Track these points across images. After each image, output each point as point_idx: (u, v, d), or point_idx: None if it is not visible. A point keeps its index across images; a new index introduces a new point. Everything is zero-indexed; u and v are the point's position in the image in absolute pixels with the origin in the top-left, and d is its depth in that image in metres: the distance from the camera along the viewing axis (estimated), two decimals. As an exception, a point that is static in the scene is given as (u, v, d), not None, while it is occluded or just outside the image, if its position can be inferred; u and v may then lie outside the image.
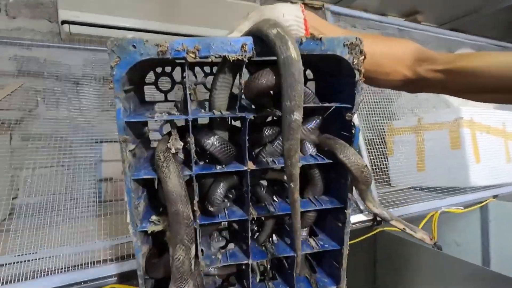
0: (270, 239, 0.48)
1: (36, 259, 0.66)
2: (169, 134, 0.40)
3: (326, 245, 0.46)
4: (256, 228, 0.50)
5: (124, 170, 0.36)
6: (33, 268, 0.62)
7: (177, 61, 0.43)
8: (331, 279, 0.48)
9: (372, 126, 1.31)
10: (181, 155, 0.41)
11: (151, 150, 0.45)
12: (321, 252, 0.46)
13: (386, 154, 1.30)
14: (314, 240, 0.48)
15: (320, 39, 0.36)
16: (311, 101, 0.43)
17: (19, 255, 0.67)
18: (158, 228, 0.38)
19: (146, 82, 0.46)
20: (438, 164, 1.26)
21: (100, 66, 1.25)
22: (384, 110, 1.39)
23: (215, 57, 0.34)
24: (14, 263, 0.64)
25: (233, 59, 0.34)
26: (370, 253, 0.96)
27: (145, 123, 0.44)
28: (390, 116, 1.41)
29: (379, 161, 1.23)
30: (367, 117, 1.32)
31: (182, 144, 0.38)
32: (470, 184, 1.15)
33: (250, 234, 0.42)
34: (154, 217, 0.40)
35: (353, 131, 0.40)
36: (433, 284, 0.78)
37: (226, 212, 0.43)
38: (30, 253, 0.68)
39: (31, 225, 0.83)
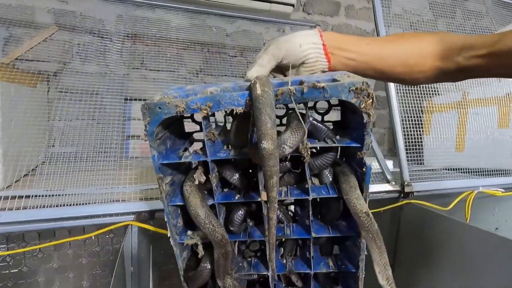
0: (290, 254, 0.53)
1: (63, 195, 0.70)
2: (196, 168, 0.47)
3: (343, 266, 0.49)
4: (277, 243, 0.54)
5: (162, 199, 0.44)
6: (60, 202, 0.65)
7: None
8: None
9: (410, 103, 1.21)
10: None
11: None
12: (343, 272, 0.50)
13: (422, 133, 1.21)
14: (332, 260, 0.51)
15: (323, 87, 0.37)
16: (324, 136, 0.44)
17: (49, 190, 0.71)
18: (193, 241, 0.47)
19: (185, 116, 0.50)
20: (481, 144, 1.15)
21: (132, 23, 1.26)
22: (424, 86, 1.27)
23: (225, 111, 0.40)
24: (44, 196, 0.68)
25: (239, 112, 0.38)
26: (394, 224, 0.92)
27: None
28: (431, 92, 1.29)
29: (414, 140, 1.14)
30: (405, 93, 1.22)
31: (205, 178, 0.45)
32: (516, 167, 1.04)
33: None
34: (189, 232, 0.48)
35: (364, 169, 0.41)
36: (460, 259, 0.72)
37: (249, 231, 0.49)
38: (58, 190, 0.72)
39: (63, 170, 0.88)
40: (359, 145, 0.40)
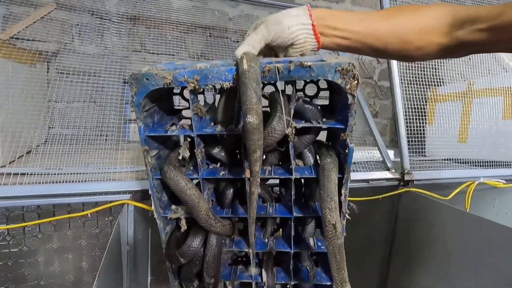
0: (272, 234, 0.54)
1: (61, 174, 0.69)
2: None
3: (323, 247, 0.51)
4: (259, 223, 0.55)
5: (147, 172, 0.44)
6: (57, 180, 0.65)
7: None
8: (328, 277, 0.52)
9: (414, 93, 1.19)
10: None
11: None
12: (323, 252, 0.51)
13: (425, 123, 1.19)
14: (313, 240, 0.53)
15: (309, 66, 0.37)
16: (312, 115, 0.44)
17: (46, 169, 0.71)
18: (176, 215, 0.47)
19: (174, 92, 0.52)
20: (484, 135, 1.13)
21: (133, 4, 1.24)
22: (428, 75, 1.25)
23: (212, 85, 0.39)
24: (41, 174, 0.68)
25: (227, 86, 0.39)
26: (392, 211, 0.92)
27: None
28: (435, 82, 1.27)
29: (416, 130, 1.13)
30: (409, 83, 1.20)
31: (189, 154, 0.46)
32: (519, 158, 1.03)
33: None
34: (173, 206, 0.48)
35: (347, 150, 0.41)
36: (458, 246, 0.72)
37: (235, 208, 0.50)
38: (56, 169, 0.72)
39: (63, 151, 0.88)
40: (343, 127, 0.40)
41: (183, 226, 0.47)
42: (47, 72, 1.16)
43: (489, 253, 0.67)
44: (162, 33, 1.29)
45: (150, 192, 0.45)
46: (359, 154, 1.10)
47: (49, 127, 1.08)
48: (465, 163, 1.08)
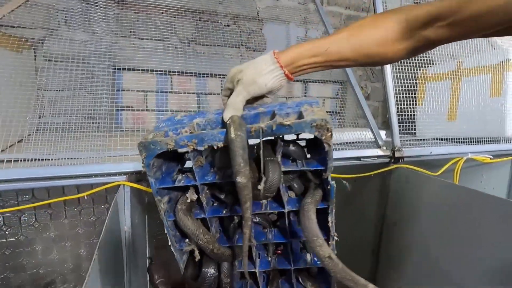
0: (274, 253, 0.59)
1: (54, 159, 0.69)
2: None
3: (318, 262, 0.56)
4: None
5: (162, 216, 0.51)
6: (51, 164, 0.65)
7: None
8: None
9: (404, 74, 1.20)
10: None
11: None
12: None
13: (415, 104, 1.21)
14: (310, 255, 0.58)
15: (289, 124, 0.42)
16: (296, 155, 0.51)
17: (39, 155, 0.71)
18: (190, 247, 0.53)
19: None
20: (472, 112, 1.16)
21: (120, -13, 1.21)
22: (418, 56, 1.26)
23: (208, 146, 0.45)
24: (34, 159, 0.68)
25: (220, 146, 0.45)
26: (383, 188, 0.94)
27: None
28: (425, 62, 1.28)
29: (407, 111, 1.14)
30: (400, 64, 1.20)
31: (196, 196, 0.51)
32: (505, 134, 1.06)
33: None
34: (187, 240, 0.54)
35: (329, 187, 0.47)
36: (448, 218, 0.75)
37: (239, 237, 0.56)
38: (49, 154, 0.72)
39: (55, 138, 0.87)
40: (323, 168, 0.46)
41: (197, 256, 0.53)
42: (35, 59, 1.14)
43: (479, 224, 0.69)
44: (151, 18, 1.27)
45: (165, 231, 0.52)
46: (351, 136, 1.11)
47: (40, 116, 1.06)
48: (454, 141, 1.10)
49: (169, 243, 0.53)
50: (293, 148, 0.50)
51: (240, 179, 0.41)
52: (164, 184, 0.49)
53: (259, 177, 0.46)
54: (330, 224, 0.50)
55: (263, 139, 0.45)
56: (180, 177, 0.51)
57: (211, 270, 0.53)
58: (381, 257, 1.02)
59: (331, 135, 0.42)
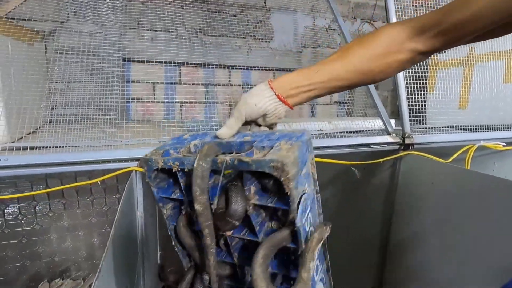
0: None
1: (67, 146, 0.71)
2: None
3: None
4: None
5: (166, 220, 0.56)
6: (63, 150, 0.66)
7: None
8: None
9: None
10: None
11: None
12: None
13: (426, 92, 1.19)
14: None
15: (248, 161, 0.43)
16: (270, 187, 0.49)
17: (53, 142, 0.72)
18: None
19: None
20: (484, 100, 1.14)
21: (127, -22, 1.21)
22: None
23: (188, 169, 0.49)
24: (48, 147, 0.69)
25: None
26: (393, 175, 0.93)
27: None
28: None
29: (417, 99, 1.13)
30: None
31: (190, 210, 0.53)
32: (519, 121, 1.03)
33: None
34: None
35: (295, 228, 0.45)
36: (460, 204, 0.74)
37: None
38: (62, 142, 0.73)
39: (68, 129, 0.89)
40: (287, 207, 0.45)
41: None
42: (45, 52, 1.15)
43: (493, 210, 0.68)
44: (159, 9, 1.27)
45: (169, 233, 0.57)
46: (360, 124, 1.10)
47: (52, 108, 1.08)
48: (465, 129, 1.08)
49: (173, 243, 0.58)
50: (268, 182, 0.48)
51: (196, 206, 0.44)
52: (165, 194, 0.54)
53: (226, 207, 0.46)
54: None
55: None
56: (177, 190, 0.55)
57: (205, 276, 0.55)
58: (390, 244, 1.02)
59: (289, 178, 0.41)
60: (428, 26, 0.46)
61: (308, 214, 0.48)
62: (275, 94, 0.52)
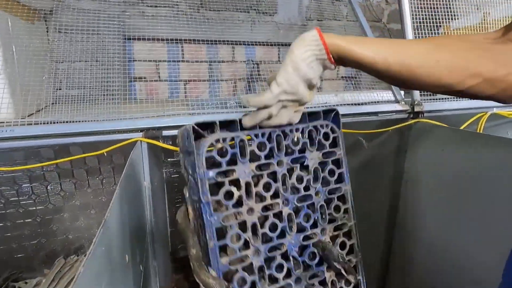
0: None
1: (75, 121, 0.71)
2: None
3: None
4: None
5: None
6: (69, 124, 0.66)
7: None
8: None
9: (425, 30, 1.12)
10: None
11: None
12: None
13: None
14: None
15: None
16: None
17: (58, 118, 0.73)
18: None
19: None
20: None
21: (125, -49, 1.17)
22: (441, 11, 1.17)
23: None
24: (54, 122, 0.69)
25: None
26: (402, 143, 0.91)
27: None
28: (448, 17, 1.19)
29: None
30: (421, 22, 1.12)
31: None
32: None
33: None
34: None
35: None
36: (471, 169, 0.72)
37: None
38: (67, 117, 0.73)
39: (72, 108, 0.89)
40: None
41: None
42: (47, 30, 1.14)
43: (506, 175, 0.65)
44: (158, -17, 1.24)
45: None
46: (368, 96, 1.08)
47: (56, 88, 1.08)
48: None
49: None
50: None
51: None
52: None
53: None
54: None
55: None
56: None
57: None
58: (399, 216, 1.02)
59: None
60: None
61: None
62: (324, 44, 0.42)
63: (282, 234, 0.49)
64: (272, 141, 0.48)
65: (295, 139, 0.49)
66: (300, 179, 0.50)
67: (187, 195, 0.48)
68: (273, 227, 0.48)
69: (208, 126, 0.45)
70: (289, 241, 0.49)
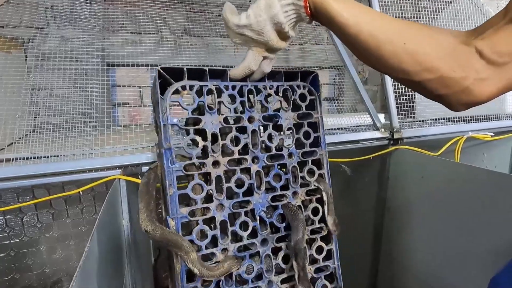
0: None
1: (50, 156, 0.69)
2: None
3: None
4: None
5: None
6: (45, 161, 0.64)
7: None
8: None
9: None
10: None
11: None
12: None
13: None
14: None
15: None
16: None
17: (35, 153, 0.70)
18: None
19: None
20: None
21: (106, -19, 1.19)
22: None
23: None
24: (29, 158, 0.67)
25: None
26: (383, 170, 0.93)
27: None
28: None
29: (405, 92, 1.12)
30: None
31: None
32: (506, 111, 1.04)
33: None
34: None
35: None
36: (450, 197, 0.74)
37: None
38: (45, 152, 0.71)
39: (51, 138, 0.87)
40: None
41: None
42: (26, 59, 1.12)
43: (484, 202, 0.68)
44: (141, 11, 1.25)
45: None
46: (349, 120, 1.10)
47: (35, 116, 1.05)
48: (454, 120, 1.08)
49: None
50: None
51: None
52: None
53: None
54: None
55: None
56: None
57: None
58: (384, 240, 1.02)
59: None
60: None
61: None
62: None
63: (249, 192, 0.47)
64: (243, 96, 0.47)
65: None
66: (271, 138, 0.49)
67: (157, 151, 0.47)
68: (240, 183, 0.47)
69: (176, 74, 0.44)
70: (257, 201, 0.47)
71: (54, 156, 0.68)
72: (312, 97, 0.52)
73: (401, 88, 1.02)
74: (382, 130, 0.88)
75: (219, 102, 0.46)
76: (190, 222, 0.44)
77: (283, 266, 0.50)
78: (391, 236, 0.97)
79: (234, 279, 0.45)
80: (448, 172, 0.73)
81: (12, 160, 0.63)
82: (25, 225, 1.11)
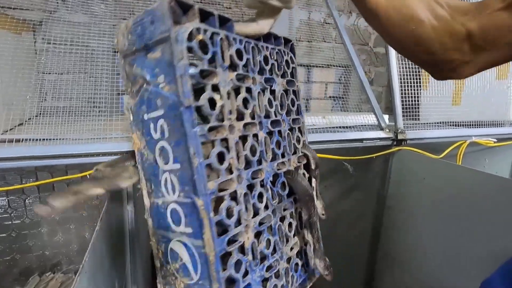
0: None
1: (57, 139, 0.69)
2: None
3: None
4: None
5: None
6: (52, 143, 0.65)
7: None
8: None
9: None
10: None
11: None
12: None
13: (419, 88, 1.19)
14: None
15: None
16: None
17: (41, 135, 0.71)
18: None
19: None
20: (477, 96, 1.14)
21: (118, -32, 1.18)
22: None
23: None
24: (36, 139, 0.68)
25: None
26: (386, 170, 0.94)
27: None
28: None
29: (411, 95, 1.12)
30: None
31: None
32: (510, 117, 1.04)
33: None
34: None
35: None
36: (451, 199, 0.75)
37: None
38: (51, 135, 0.72)
39: (56, 122, 0.87)
40: None
41: None
42: (34, 42, 1.13)
43: (483, 206, 0.69)
44: (151, -1, 1.24)
45: None
46: (354, 119, 1.10)
47: (41, 99, 1.06)
48: (458, 125, 1.09)
49: None
50: None
51: None
52: None
53: None
54: None
55: None
56: None
57: None
58: (382, 240, 1.03)
59: None
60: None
61: None
62: None
63: (259, 160, 0.43)
64: (249, 53, 0.42)
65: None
66: (270, 103, 0.46)
67: (131, 117, 0.39)
68: (254, 150, 0.42)
69: (184, 12, 0.35)
70: (265, 169, 0.43)
71: (60, 139, 0.69)
72: (293, 65, 0.51)
73: (407, 90, 1.03)
74: (387, 130, 0.89)
75: (230, 56, 0.39)
76: (217, 198, 0.36)
77: (289, 234, 0.48)
78: (390, 235, 0.98)
79: (258, 257, 0.41)
80: (450, 174, 0.74)
81: (21, 140, 0.64)
82: (27, 207, 1.12)
